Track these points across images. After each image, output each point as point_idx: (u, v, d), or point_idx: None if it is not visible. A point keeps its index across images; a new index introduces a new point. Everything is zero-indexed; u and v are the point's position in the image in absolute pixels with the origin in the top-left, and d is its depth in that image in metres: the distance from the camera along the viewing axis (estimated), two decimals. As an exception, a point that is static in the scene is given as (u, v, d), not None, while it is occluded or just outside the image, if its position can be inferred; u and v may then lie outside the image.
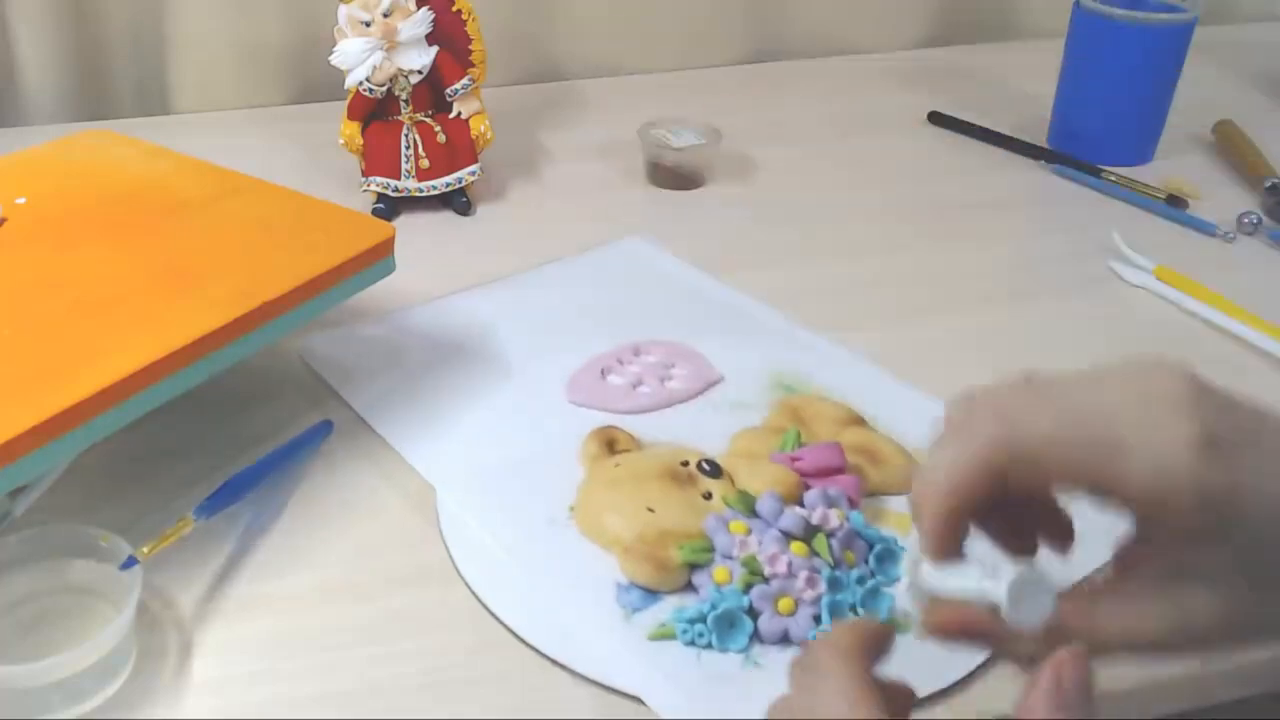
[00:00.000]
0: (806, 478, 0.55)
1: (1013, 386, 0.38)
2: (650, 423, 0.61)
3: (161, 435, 0.59)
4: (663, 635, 0.49)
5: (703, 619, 0.48)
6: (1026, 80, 1.04)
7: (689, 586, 0.51)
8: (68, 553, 0.49)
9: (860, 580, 0.50)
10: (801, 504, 0.53)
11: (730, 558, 0.51)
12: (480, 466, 0.58)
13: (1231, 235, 0.81)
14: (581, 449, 0.58)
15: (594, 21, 1.06)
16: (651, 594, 0.51)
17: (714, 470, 0.56)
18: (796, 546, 0.50)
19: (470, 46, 0.81)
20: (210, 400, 0.60)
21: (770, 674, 0.47)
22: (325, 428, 0.60)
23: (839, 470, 0.55)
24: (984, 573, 0.38)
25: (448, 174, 0.81)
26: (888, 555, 0.52)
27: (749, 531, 0.51)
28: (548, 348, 0.67)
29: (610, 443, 0.58)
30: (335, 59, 0.78)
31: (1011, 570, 0.37)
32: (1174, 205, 0.84)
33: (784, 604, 0.49)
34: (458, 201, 0.83)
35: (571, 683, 0.47)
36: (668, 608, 0.50)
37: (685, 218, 0.83)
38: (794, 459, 0.56)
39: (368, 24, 0.77)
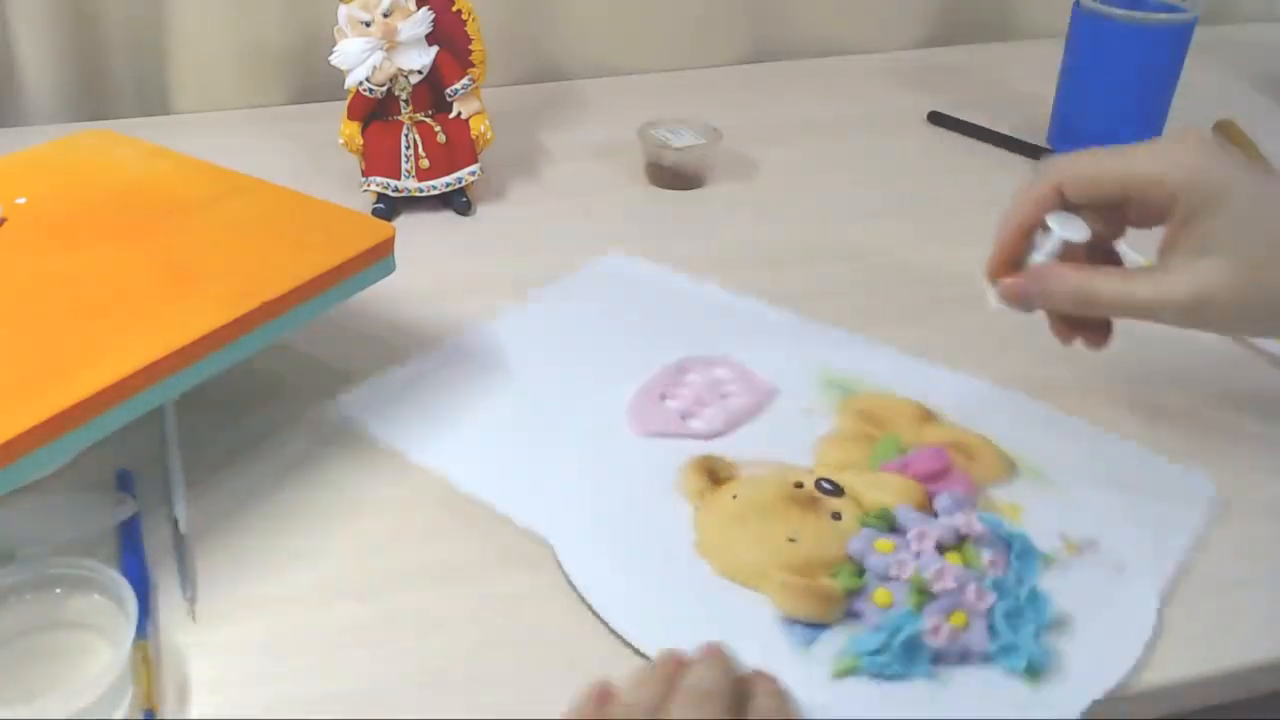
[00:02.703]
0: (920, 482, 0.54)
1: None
2: (726, 445, 0.59)
3: (161, 434, 0.59)
4: (848, 670, 0.47)
5: (886, 648, 0.47)
6: (1026, 80, 1.04)
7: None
8: (61, 585, 0.48)
9: (1019, 581, 0.49)
10: (934, 512, 0.52)
11: (888, 578, 0.49)
12: (589, 515, 0.55)
13: (1232, 235, 0.80)
14: (683, 483, 0.56)
15: (594, 21, 1.06)
16: (814, 628, 0.49)
17: (835, 489, 0.54)
18: (952, 556, 0.49)
19: (470, 46, 0.81)
20: (211, 400, 0.60)
21: (955, 691, 0.46)
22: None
23: (947, 471, 0.54)
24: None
25: (448, 174, 0.81)
26: (1027, 553, 0.51)
27: (895, 548, 0.50)
28: (582, 376, 0.64)
29: (712, 472, 0.56)
30: (335, 59, 0.78)
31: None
32: (1174, 205, 0.84)
33: (956, 618, 0.47)
34: (458, 201, 0.83)
35: (573, 683, 0.47)
36: (834, 640, 0.48)
37: (685, 218, 0.83)
38: (904, 465, 0.55)
39: (368, 24, 0.77)
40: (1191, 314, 0.49)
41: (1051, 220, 0.54)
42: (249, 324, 0.53)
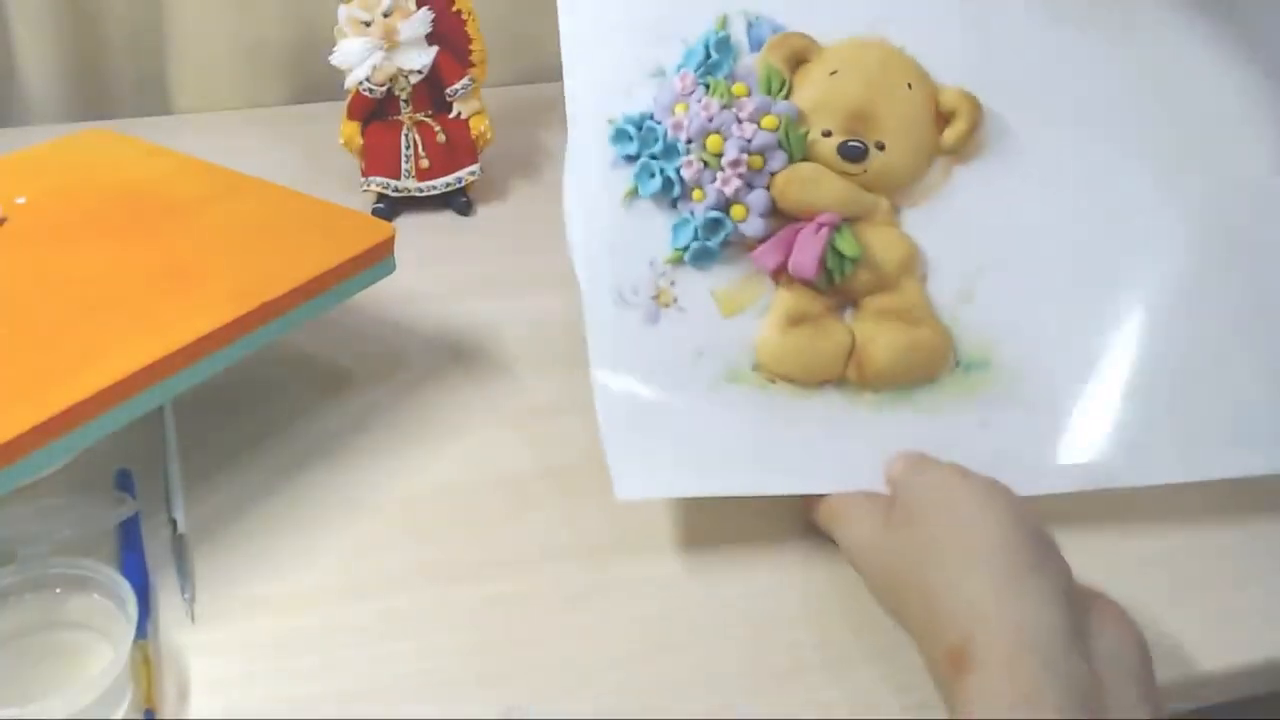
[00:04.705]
0: None
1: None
2: None
3: (161, 434, 0.59)
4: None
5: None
6: (1026, 80, 1.04)
7: None
8: (63, 585, 0.48)
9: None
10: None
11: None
12: None
13: (1231, 235, 0.80)
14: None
15: (594, 21, 1.06)
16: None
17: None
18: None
19: (470, 46, 0.81)
20: (211, 400, 0.60)
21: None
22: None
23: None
24: None
25: (448, 174, 0.81)
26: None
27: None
28: None
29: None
30: (335, 59, 0.78)
31: None
32: (1174, 205, 0.84)
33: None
34: (458, 201, 0.83)
35: (575, 682, 0.47)
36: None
37: (685, 218, 0.83)
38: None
39: (368, 24, 0.77)
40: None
41: None
42: (249, 324, 0.53)
